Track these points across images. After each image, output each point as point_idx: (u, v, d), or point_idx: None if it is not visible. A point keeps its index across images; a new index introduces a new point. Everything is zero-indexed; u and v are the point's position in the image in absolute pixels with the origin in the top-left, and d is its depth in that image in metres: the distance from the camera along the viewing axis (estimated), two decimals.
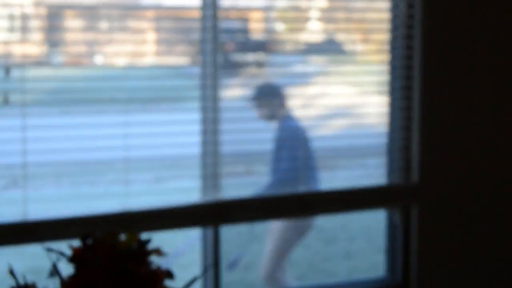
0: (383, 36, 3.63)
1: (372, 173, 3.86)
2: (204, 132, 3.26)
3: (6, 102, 2.92)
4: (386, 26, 3.59)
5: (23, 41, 2.97)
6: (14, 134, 2.90)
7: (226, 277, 6.32)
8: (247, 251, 7.01)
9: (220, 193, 3.28)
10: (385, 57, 3.62)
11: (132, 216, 3.08)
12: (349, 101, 3.69)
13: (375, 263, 6.61)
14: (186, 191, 3.63)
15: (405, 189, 3.61)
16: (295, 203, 3.43)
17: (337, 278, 6.27)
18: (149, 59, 3.50)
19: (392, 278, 3.71)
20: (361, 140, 3.72)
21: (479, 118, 3.72)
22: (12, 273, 1.78)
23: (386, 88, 3.61)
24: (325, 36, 4.53)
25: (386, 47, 3.62)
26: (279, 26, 3.86)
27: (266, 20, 7.68)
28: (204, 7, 3.27)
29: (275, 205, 3.39)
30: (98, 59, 3.32)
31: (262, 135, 3.45)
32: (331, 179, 4.49)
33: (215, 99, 3.24)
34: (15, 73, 2.93)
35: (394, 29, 3.57)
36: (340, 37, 4.55)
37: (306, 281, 6.32)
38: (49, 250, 1.76)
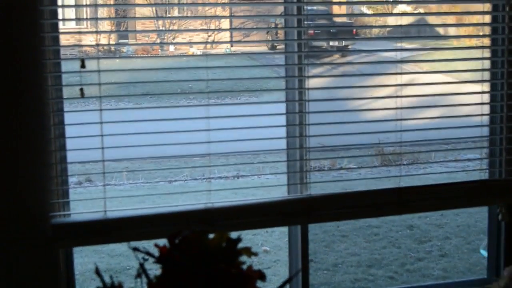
0: (482, 17, 3.56)
1: (471, 167, 3.80)
2: (290, 125, 3.26)
3: (82, 95, 2.98)
4: (486, 6, 3.51)
5: (97, 31, 3.02)
6: (91, 129, 2.96)
7: (314, 277, 6.35)
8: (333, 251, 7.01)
9: (308, 189, 3.28)
10: (485, 41, 3.55)
11: (216, 213, 3.10)
12: (444, 89, 3.62)
13: (471, 264, 6.54)
14: (270, 187, 3.64)
15: (509, 185, 3.54)
16: (389, 200, 3.39)
17: (431, 279, 6.20)
18: (224, 47, 3.50)
19: (495, 281, 3.65)
20: (458, 132, 3.66)
21: None
22: (98, 272, 1.82)
23: (486, 75, 3.54)
24: (415, 20, 4.47)
25: (486, 30, 3.55)
26: (365, 10, 3.80)
27: (350, 3, 7.61)
28: None
29: (365, 202, 3.36)
30: (170, 49, 3.32)
31: (349, 127, 3.41)
32: (425, 174, 4.44)
33: (301, 89, 3.23)
34: (91, 65, 2.98)
35: (494, 10, 3.49)
36: (432, 20, 4.48)
37: (399, 281, 6.27)
38: (135, 249, 1.80)
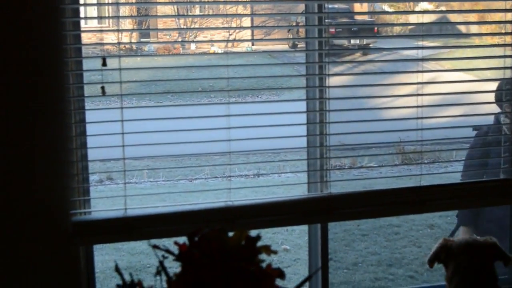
0: (504, 15, 3.53)
1: (493, 167, 3.78)
2: (310, 123, 3.26)
3: (103, 93, 2.99)
4: (508, 4, 3.48)
5: (119, 29, 3.03)
6: (112, 127, 2.97)
7: (334, 276, 6.35)
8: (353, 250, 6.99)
9: (328, 188, 3.27)
10: (507, 39, 3.52)
11: (236, 211, 3.11)
12: (465, 88, 3.60)
13: None
14: (288, 185, 3.64)
15: None
16: (409, 199, 3.38)
17: None
18: (245, 46, 3.50)
19: None
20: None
21: None
22: (118, 270, 1.83)
23: (508, 73, 3.51)
24: (437, 18, 4.43)
25: (508, 27, 3.52)
26: (386, 8, 3.79)
27: (372, 0, 7.56)
28: None
29: (385, 200, 3.35)
30: (191, 47, 3.32)
31: (370, 125, 3.39)
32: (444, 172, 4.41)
33: (322, 87, 3.23)
34: (112, 63, 2.98)
35: None
36: (454, 18, 4.43)
37: (419, 280, 6.26)
38: (155, 247, 1.80)
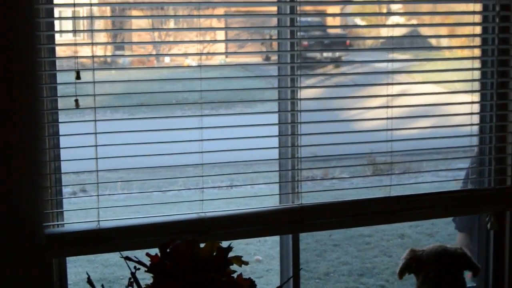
0: (472, 29, 3.57)
1: (461, 177, 3.81)
2: (282, 135, 3.27)
3: (77, 106, 2.97)
4: (476, 17, 3.52)
5: (93, 42, 3.03)
6: (86, 139, 2.96)
7: (306, 286, 6.34)
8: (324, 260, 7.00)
9: (299, 199, 3.29)
10: (475, 52, 3.56)
11: (208, 223, 3.11)
12: (435, 99, 3.63)
13: None
14: (261, 196, 3.64)
15: (498, 194, 3.55)
16: (379, 209, 3.40)
17: None
18: (219, 59, 3.52)
19: None
20: (449, 142, 3.67)
21: None
22: (90, 282, 1.83)
23: (476, 85, 3.55)
24: (408, 31, 4.48)
25: (476, 41, 3.56)
26: (358, 21, 3.82)
27: (344, 14, 7.59)
28: (280, 1, 3.27)
29: (356, 211, 3.38)
30: (165, 60, 3.32)
31: (342, 137, 3.40)
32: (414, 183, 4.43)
33: (293, 100, 3.24)
34: (86, 76, 2.98)
35: (485, 21, 3.51)
36: (425, 31, 4.49)
37: None
38: (127, 258, 1.80)
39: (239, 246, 7.24)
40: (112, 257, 6.81)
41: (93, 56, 3.01)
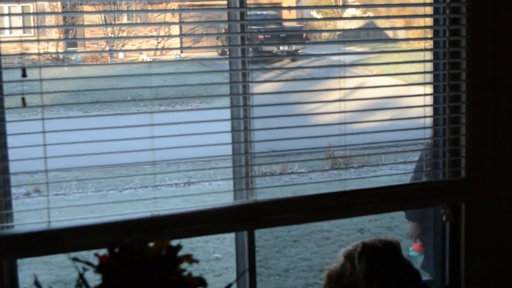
0: (427, 20, 3.62)
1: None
2: (235, 131, 3.27)
3: (24, 105, 2.95)
4: (428, 9, 3.56)
5: (39, 39, 3.00)
6: (35, 138, 2.93)
7: (265, 283, 6.37)
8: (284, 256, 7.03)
9: (254, 195, 3.30)
10: (429, 44, 3.61)
11: (161, 221, 3.10)
12: (390, 92, 3.67)
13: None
14: (215, 193, 3.65)
15: (452, 186, 3.60)
16: (335, 203, 3.42)
17: None
18: (174, 54, 3.50)
19: (440, 281, 3.71)
20: (404, 135, 3.70)
21: None
22: (37, 284, 1.82)
23: (429, 77, 3.59)
24: (364, 23, 4.51)
25: (429, 33, 3.61)
26: (314, 14, 3.83)
27: (300, 7, 7.65)
28: None
29: (312, 206, 3.39)
30: (119, 56, 3.30)
31: (296, 131, 3.42)
32: (373, 176, 4.47)
33: (245, 95, 3.24)
34: (33, 73, 2.94)
35: (436, 13, 3.55)
36: (381, 23, 4.52)
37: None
38: (75, 259, 1.79)
39: (198, 244, 7.24)
40: (67, 258, 6.76)
41: (39, 54, 2.98)
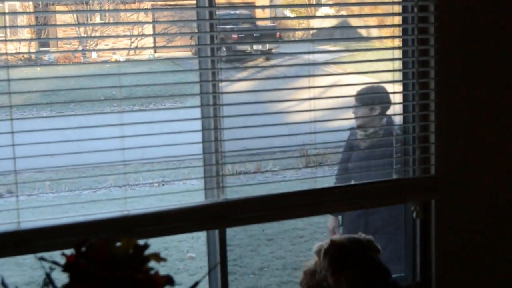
0: (396, 19, 3.64)
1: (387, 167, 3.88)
2: (205, 130, 3.28)
3: None
4: (398, 7, 3.59)
5: (7, 39, 2.99)
6: (3, 139, 2.92)
7: (240, 282, 6.38)
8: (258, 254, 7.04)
9: (225, 194, 3.30)
10: (398, 42, 3.64)
11: (133, 220, 3.10)
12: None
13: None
14: (190, 192, 3.66)
15: (422, 183, 3.63)
16: (306, 201, 3.44)
17: None
18: (147, 53, 3.49)
19: (411, 277, 3.74)
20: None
21: (501, 106, 3.74)
22: (4, 284, 1.82)
23: (400, 75, 3.62)
24: (337, 22, 4.53)
25: (399, 31, 3.64)
26: (287, 13, 3.84)
27: (273, 6, 7.67)
28: None
29: (283, 204, 3.41)
30: (92, 55, 3.29)
31: (269, 130, 3.42)
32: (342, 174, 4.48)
33: (215, 94, 3.25)
34: (1, 74, 2.94)
35: (405, 11, 3.58)
36: (354, 22, 4.54)
37: None
38: (41, 259, 1.79)
39: (172, 244, 7.24)
40: (35, 259, 6.72)
41: (7, 54, 2.97)
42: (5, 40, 2.90)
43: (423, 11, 3.54)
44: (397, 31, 3.69)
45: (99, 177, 8.50)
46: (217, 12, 3.24)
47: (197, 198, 3.39)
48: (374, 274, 2.84)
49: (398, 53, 3.63)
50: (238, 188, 3.43)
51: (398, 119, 3.65)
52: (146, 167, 7.99)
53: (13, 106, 2.96)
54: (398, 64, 3.61)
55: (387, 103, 3.89)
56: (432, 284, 3.69)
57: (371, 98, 3.98)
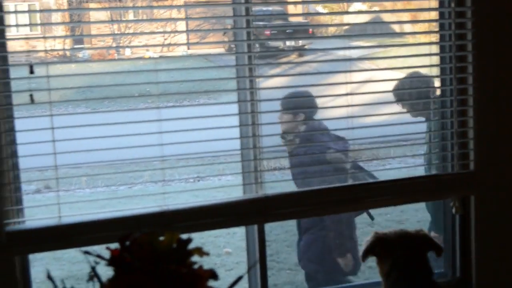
0: (432, 14, 3.62)
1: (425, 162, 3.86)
2: (242, 126, 3.29)
3: (32, 101, 2.97)
4: (435, 2, 3.57)
5: (45, 36, 3.02)
6: (44, 135, 2.95)
7: (277, 277, 6.38)
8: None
9: (263, 189, 3.31)
10: (435, 37, 3.61)
11: (171, 216, 3.12)
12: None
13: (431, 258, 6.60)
14: (228, 188, 3.67)
15: (461, 178, 3.61)
16: (344, 197, 3.44)
17: None
18: (180, 50, 3.50)
19: (451, 273, 3.73)
20: (412, 128, 3.71)
21: None
22: (50, 278, 1.84)
23: (437, 70, 3.60)
24: (370, 18, 4.52)
25: (436, 26, 3.61)
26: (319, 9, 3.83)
27: (306, 2, 7.65)
28: None
29: (322, 199, 3.41)
30: (126, 52, 3.30)
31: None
32: (382, 170, 4.47)
33: (252, 89, 3.25)
34: (40, 70, 2.97)
35: (442, 6, 3.56)
36: (387, 17, 4.51)
37: (361, 278, 6.33)
38: (86, 253, 1.81)
39: (208, 239, 7.26)
40: (79, 254, 6.77)
41: (46, 51, 2.99)
42: (44, 37, 2.92)
43: (460, 6, 3.51)
44: (433, 26, 3.66)
45: (135, 172, 8.55)
46: (253, 8, 3.25)
47: (232, 194, 3.40)
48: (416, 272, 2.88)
49: (434, 48, 3.60)
50: (274, 183, 3.43)
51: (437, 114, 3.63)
52: (181, 163, 8.03)
53: (53, 102, 2.99)
54: (435, 60, 3.58)
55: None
56: (473, 279, 3.67)
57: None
